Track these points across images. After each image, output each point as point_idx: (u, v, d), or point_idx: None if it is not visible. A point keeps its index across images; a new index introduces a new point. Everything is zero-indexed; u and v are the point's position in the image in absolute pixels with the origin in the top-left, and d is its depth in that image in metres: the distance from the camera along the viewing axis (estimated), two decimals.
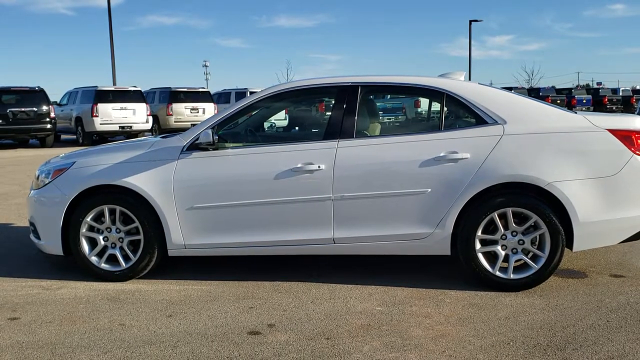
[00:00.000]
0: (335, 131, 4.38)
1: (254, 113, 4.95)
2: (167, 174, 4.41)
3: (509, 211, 4.14)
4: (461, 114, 4.49)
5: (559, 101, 33.70)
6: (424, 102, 22.98)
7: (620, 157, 4.12)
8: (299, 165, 4.29)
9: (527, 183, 4.12)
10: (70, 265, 4.94)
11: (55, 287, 4.47)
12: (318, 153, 4.31)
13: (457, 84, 4.44)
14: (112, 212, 4.52)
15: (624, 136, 4.15)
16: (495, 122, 4.25)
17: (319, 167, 4.27)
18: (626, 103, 38.03)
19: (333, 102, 4.53)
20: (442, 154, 4.19)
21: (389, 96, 21.94)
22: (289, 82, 4.71)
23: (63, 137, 22.49)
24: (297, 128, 7.20)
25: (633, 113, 11.28)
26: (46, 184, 4.67)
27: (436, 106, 4.59)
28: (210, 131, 4.35)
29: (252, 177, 4.35)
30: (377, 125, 4.84)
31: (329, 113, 4.52)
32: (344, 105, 4.44)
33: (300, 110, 7.85)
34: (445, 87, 4.43)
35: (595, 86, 49.54)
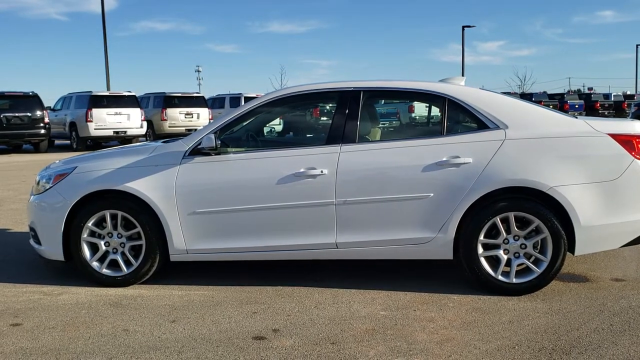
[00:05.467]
0: (337, 136, 4.38)
1: (255, 118, 4.94)
2: (169, 179, 4.40)
3: (511, 215, 4.16)
4: (463, 118, 4.50)
5: (551, 106, 33.85)
6: (418, 107, 23.08)
7: (621, 161, 4.15)
8: (302, 170, 4.29)
9: (529, 187, 4.14)
10: (70, 270, 4.91)
11: (56, 293, 4.44)
12: (320, 158, 4.32)
13: (459, 89, 4.46)
14: (113, 217, 4.50)
15: (625, 141, 4.19)
16: (497, 127, 4.27)
17: (321, 171, 4.27)
18: (618, 108, 38.38)
19: (335, 107, 4.53)
20: (444, 159, 4.20)
21: (383, 101, 21.96)
22: (291, 87, 4.71)
23: (57, 142, 22.43)
24: (299, 133, 7.20)
25: (625, 118, 11.36)
26: (47, 189, 4.64)
27: (437, 111, 4.61)
28: (212, 136, 4.35)
29: (255, 182, 4.34)
30: (378, 130, 4.85)
31: (324, 118, 4.52)
32: (346, 110, 4.44)
33: (303, 116, 7.85)
34: (446, 92, 4.44)
35: (587, 91, 49.89)
